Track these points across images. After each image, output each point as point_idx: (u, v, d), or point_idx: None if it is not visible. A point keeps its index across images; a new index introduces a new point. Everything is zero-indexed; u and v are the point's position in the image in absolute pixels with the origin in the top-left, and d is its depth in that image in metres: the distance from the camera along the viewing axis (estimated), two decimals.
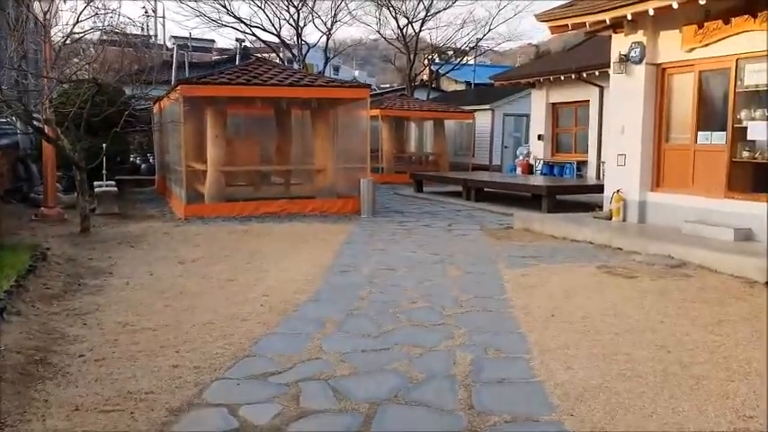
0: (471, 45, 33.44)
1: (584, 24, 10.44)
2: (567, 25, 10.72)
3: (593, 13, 10.02)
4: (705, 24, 9.38)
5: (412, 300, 6.49)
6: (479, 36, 32.37)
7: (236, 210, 12.92)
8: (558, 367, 4.57)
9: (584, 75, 17.37)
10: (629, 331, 5.41)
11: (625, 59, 10.64)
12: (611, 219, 10.93)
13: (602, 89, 17.55)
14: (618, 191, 10.84)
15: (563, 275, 7.67)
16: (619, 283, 7.31)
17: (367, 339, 5.24)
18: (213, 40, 45.84)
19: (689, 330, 5.42)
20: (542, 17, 11.10)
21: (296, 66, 27.86)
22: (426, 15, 30.78)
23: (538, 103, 20.41)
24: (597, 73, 16.85)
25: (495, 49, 34.00)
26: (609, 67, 16.11)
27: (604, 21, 10.03)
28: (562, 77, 18.19)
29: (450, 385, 4.28)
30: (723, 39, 9.17)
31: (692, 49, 9.67)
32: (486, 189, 16.27)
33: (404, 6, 30.67)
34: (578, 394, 4.10)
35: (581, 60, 18.10)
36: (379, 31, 32.25)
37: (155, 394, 4.09)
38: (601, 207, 11.60)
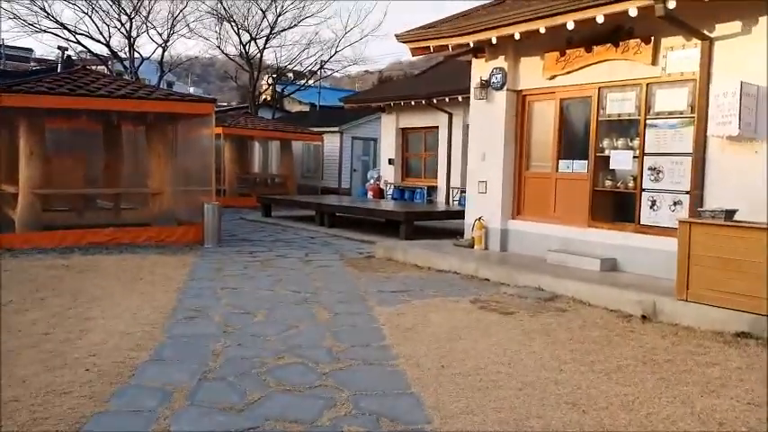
0: (316, 66, 32.83)
1: (446, 47, 10.06)
2: (430, 47, 10.30)
3: (458, 36, 9.65)
4: (567, 52, 9.32)
5: (278, 353, 5.46)
6: (325, 58, 31.88)
7: (56, 240, 11.08)
8: None
9: (434, 101, 17.30)
10: (531, 385, 4.79)
11: (486, 85, 10.39)
12: (473, 247, 10.58)
13: (450, 116, 17.61)
14: (480, 218, 10.52)
15: (440, 313, 7.02)
16: (498, 321, 6.77)
17: (229, 415, 4.16)
18: (31, 49, 41.63)
19: (593, 381, 4.91)
20: (404, 38, 10.59)
21: (128, 79, 25.60)
22: (271, 33, 29.79)
23: (388, 128, 20.14)
24: (447, 99, 16.86)
25: (341, 72, 33.62)
26: (458, 94, 16.39)
27: (468, 44, 9.69)
28: (413, 102, 18.02)
29: None
30: (585, 67, 9.14)
31: (554, 77, 9.59)
32: (338, 214, 15.51)
33: (247, 22, 29.49)
34: None
35: (431, 87, 18.07)
36: (219, 47, 30.73)
37: None
38: (461, 234, 11.24)
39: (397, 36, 10.71)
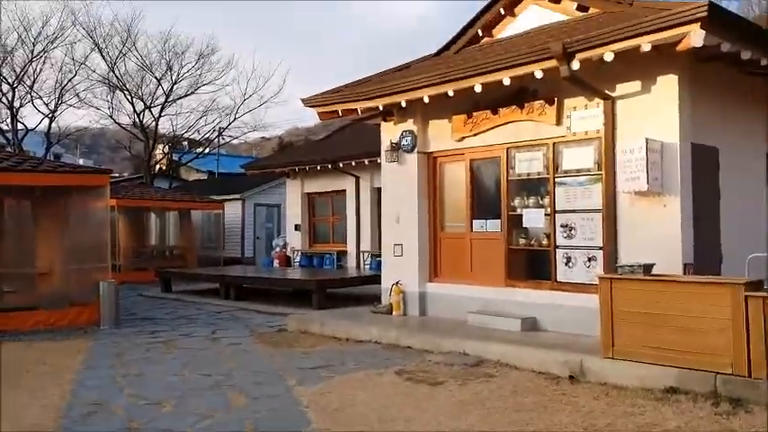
0: (214, 134, 32.20)
1: (355, 110, 9.94)
2: (338, 111, 10.16)
3: (367, 99, 9.57)
4: (474, 114, 9.42)
5: None
6: (224, 124, 31.34)
7: None
8: None
9: (341, 165, 17.16)
10: None
11: (396, 148, 10.32)
12: (391, 313, 10.26)
13: (357, 179, 17.49)
14: (397, 282, 10.26)
15: (367, 390, 6.59)
16: (429, 393, 6.43)
17: None
18: None
19: None
20: (311, 102, 10.41)
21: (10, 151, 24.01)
22: (166, 101, 29.03)
23: (293, 193, 19.77)
24: (353, 163, 16.75)
25: (240, 139, 33.15)
26: (365, 157, 16.35)
27: (377, 107, 9.62)
28: (318, 167, 17.80)
29: None
30: (492, 128, 9.25)
31: (463, 138, 9.64)
32: (245, 285, 14.81)
33: (140, 91, 28.63)
34: None
35: (336, 151, 17.96)
36: (111, 116, 29.54)
37: None
38: (378, 299, 10.92)
39: (303, 100, 10.51)
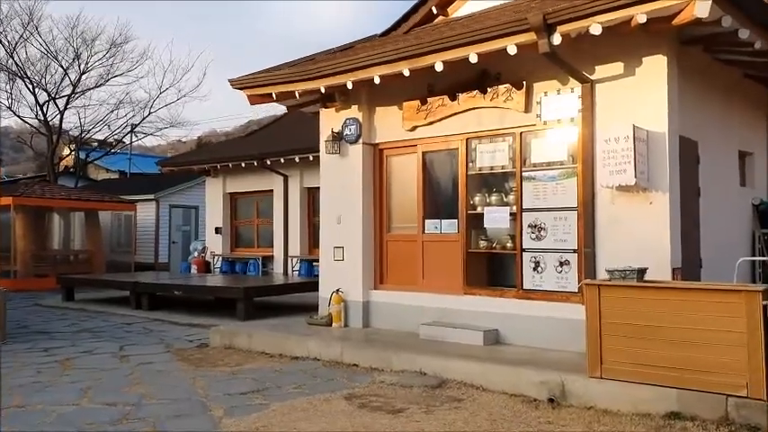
0: (127, 129, 29.91)
1: (292, 93, 8.69)
2: (271, 94, 8.87)
3: (307, 80, 8.33)
4: (429, 100, 8.36)
5: None
6: (137, 120, 29.14)
7: None
8: None
9: (268, 162, 15.78)
10: None
11: (338, 138, 9.12)
12: (330, 324, 9.04)
13: (286, 178, 16.20)
14: (337, 290, 9.05)
15: (313, 422, 5.36)
16: (390, 425, 5.27)
17: None
18: None
19: None
20: (241, 83, 9.08)
21: None
22: (73, 92, 26.65)
23: (214, 193, 18.19)
24: (282, 160, 15.44)
25: (156, 135, 30.94)
26: (295, 153, 15.06)
27: (318, 89, 8.40)
28: (243, 164, 16.35)
29: None
30: (449, 116, 8.21)
31: (415, 128, 8.56)
32: (159, 294, 13.17)
33: (44, 81, 26.16)
34: None
35: (263, 147, 16.57)
36: (11, 108, 26.84)
37: None
38: (315, 309, 9.66)
39: (231, 81, 9.17)
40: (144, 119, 28.87)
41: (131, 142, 32.62)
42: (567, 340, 6.99)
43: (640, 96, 6.69)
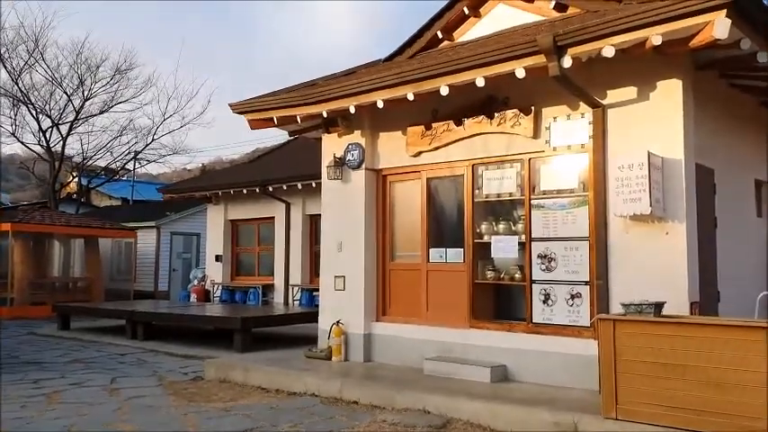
0: (129, 156, 29.74)
1: (293, 118, 8.44)
2: (273, 119, 8.63)
3: (309, 104, 8.10)
4: (433, 125, 8.10)
5: None
6: (140, 146, 29.01)
7: None
8: None
9: (270, 189, 15.54)
10: None
11: (341, 163, 8.86)
12: (330, 358, 8.67)
13: (288, 205, 15.94)
14: (338, 322, 8.70)
15: None
16: None
17: None
18: None
19: None
20: (241, 107, 8.86)
21: None
22: (76, 118, 26.58)
23: (215, 220, 17.93)
24: (284, 187, 15.19)
25: (159, 161, 30.78)
26: (297, 180, 14.80)
27: (320, 114, 8.16)
28: (244, 191, 16.11)
29: None
30: (455, 142, 7.95)
31: (419, 153, 8.30)
32: (156, 323, 12.82)
33: (48, 107, 26.11)
34: None
35: (265, 173, 16.34)
36: (14, 134, 26.73)
37: None
38: (314, 341, 9.31)
39: (232, 106, 8.94)
40: (147, 146, 28.77)
41: (134, 168, 32.45)
42: (578, 377, 6.63)
43: (655, 122, 6.41)
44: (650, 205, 6.09)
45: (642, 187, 6.12)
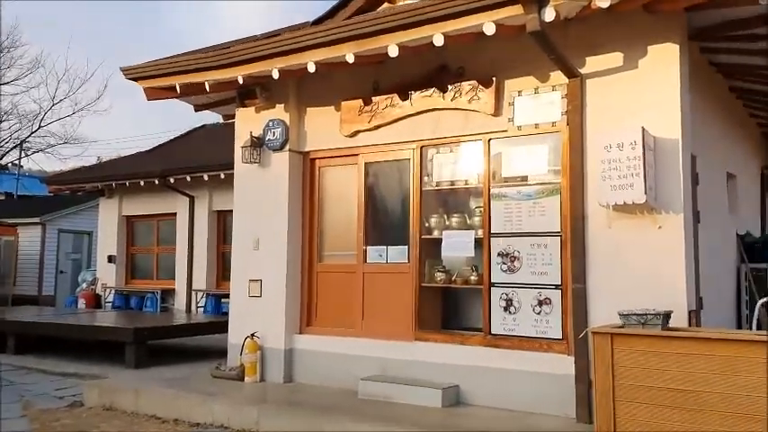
0: (14, 143, 26.74)
1: (201, 86, 6.91)
2: (175, 86, 7.06)
3: (221, 67, 6.60)
4: (374, 100, 6.81)
5: None
6: (25, 134, 26.05)
7: None
8: None
9: (171, 180, 13.74)
10: None
11: (259, 144, 7.39)
12: (243, 378, 7.18)
13: (192, 199, 14.21)
14: (252, 335, 7.23)
15: None
16: None
17: None
18: None
19: None
20: (136, 72, 7.23)
21: None
22: None
23: (108, 216, 15.85)
24: (189, 179, 13.45)
25: (48, 151, 27.87)
26: (203, 171, 13.13)
27: (235, 80, 6.67)
28: (142, 183, 14.21)
29: None
30: (400, 119, 6.68)
31: (356, 133, 6.97)
32: (31, 333, 10.82)
33: None
34: None
35: (167, 163, 14.51)
36: None
37: None
38: (224, 356, 7.77)
39: (124, 70, 7.30)
40: (32, 133, 25.88)
41: (20, 158, 29.32)
42: (549, 401, 5.52)
43: (645, 94, 5.37)
44: (644, 192, 5.04)
45: (635, 171, 5.06)
